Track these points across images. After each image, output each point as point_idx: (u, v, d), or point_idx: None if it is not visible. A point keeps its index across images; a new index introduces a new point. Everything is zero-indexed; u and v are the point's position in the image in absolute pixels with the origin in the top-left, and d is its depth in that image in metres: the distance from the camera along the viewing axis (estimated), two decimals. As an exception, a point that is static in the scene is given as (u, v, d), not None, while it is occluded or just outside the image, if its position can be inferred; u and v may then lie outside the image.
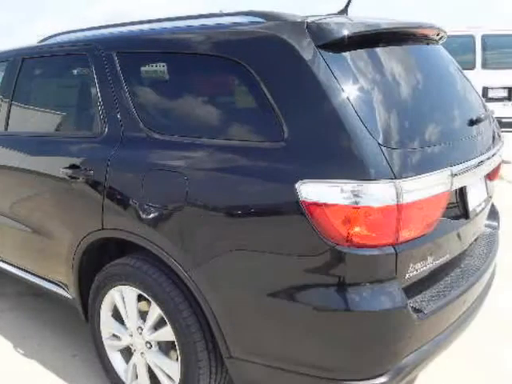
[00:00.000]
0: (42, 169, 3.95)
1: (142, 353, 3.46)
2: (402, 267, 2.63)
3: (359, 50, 2.84)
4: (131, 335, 3.50)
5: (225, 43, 3.06)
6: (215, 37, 3.13)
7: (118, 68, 3.53)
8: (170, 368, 3.32)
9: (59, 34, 4.65)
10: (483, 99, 3.87)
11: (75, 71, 4.41)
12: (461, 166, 2.93)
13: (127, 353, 3.65)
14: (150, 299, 3.27)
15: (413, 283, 2.76)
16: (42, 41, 4.72)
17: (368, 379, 2.66)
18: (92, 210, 3.50)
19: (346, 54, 2.78)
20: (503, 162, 3.80)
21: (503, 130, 7.73)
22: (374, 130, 2.57)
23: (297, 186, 2.57)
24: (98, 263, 3.72)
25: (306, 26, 2.79)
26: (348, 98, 2.62)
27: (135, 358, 3.54)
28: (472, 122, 3.30)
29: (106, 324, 3.69)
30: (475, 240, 3.55)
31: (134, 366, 3.57)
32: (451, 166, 2.83)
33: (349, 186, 2.49)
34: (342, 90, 2.63)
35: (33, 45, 4.63)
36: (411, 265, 2.68)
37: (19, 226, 4.32)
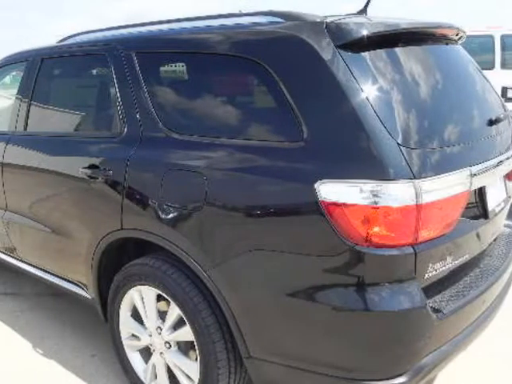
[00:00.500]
0: (62, 169, 4.02)
1: (161, 353, 3.51)
2: (422, 267, 2.66)
3: (378, 50, 2.87)
4: (150, 335, 3.55)
5: (244, 43, 3.11)
6: (234, 37, 3.18)
7: (138, 68, 3.58)
8: (189, 368, 3.37)
9: (78, 34, 4.72)
10: (502, 99, 3.88)
11: (94, 71, 4.50)
12: (480, 166, 2.96)
13: (146, 353, 3.71)
14: (169, 299, 3.32)
15: (432, 283, 2.79)
16: (61, 41, 4.80)
17: (387, 379, 2.69)
18: (111, 210, 3.56)
19: (365, 54, 2.81)
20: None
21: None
22: (393, 130, 2.61)
23: (316, 186, 2.61)
24: (117, 263, 3.79)
25: (325, 26, 2.83)
26: (367, 98, 2.65)
27: (154, 358, 3.59)
28: (491, 122, 3.33)
29: (125, 324, 3.75)
30: (494, 240, 3.58)
31: (153, 366, 3.62)
32: (470, 166, 2.86)
33: (368, 185, 2.53)
34: (361, 89, 2.67)
35: (52, 45, 4.71)
36: (430, 265, 2.71)
37: (38, 226, 4.39)
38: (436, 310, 2.72)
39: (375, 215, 2.54)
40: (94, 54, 4.08)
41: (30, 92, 4.56)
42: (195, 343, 3.22)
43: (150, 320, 3.54)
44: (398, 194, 2.52)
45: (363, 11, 3.45)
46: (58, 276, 4.48)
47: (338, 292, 2.66)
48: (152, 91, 3.51)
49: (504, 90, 10.75)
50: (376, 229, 2.55)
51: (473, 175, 2.84)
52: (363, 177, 2.54)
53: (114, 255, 3.81)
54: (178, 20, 3.86)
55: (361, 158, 2.59)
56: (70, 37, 4.77)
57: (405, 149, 2.59)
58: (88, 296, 4.12)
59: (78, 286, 4.23)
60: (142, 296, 3.55)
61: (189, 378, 3.39)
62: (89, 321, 4.88)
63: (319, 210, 2.61)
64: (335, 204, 2.58)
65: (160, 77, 3.73)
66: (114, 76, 3.72)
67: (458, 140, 2.95)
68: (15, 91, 4.78)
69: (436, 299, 2.81)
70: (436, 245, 2.71)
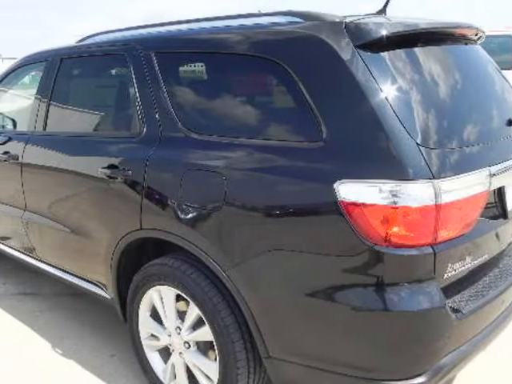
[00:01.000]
0: (81, 169, 4.09)
1: (180, 353, 3.56)
2: (441, 267, 2.69)
3: (397, 50, 2.91)
4: (169, 335, 3.61)
5: (263, 43, 3.15)
6: (254, 37, 3.23)
7: (157, 68, 3.64)
8: (209, 368, 3.42)
9: (97, 34, 4.78)
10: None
11: (113, 71, 4.57)
12: (499, 166, 2.99)
13: (165, 353, 3.76)
14: (188, 299, 3.37)
15: (451, 283, 2.82)
16: (80, 41, 4.86)
17: (406, 379, 2.72)
18: (130, 210, 3.62)
19: (385, 54, 2.85)
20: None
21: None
22: (412, 130, 2.65)
23: (335, 186, 2.64)
24: (136, 263, 3.85)
25: (344, 25, 2.87)
26: (386, 98, 2.69)
27: (173, 358, 3.64)
28: (510, 122, 3.35)
29: (145, 324, 3.80)
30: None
31: (173, 366, 3.67)
32: (489, 165, 2.90)
33: (387, 185, 2.57)
34: (381, 90, 2.71)
35: (71, 45, 4.78)
36: (450, 265, 2.74)
37: (58, 226, 4.47)
38: (455, 310, 2.75)
39: (394, 215, 2.58)
40: (113, 54, 4.14)
41: (49, 92, 4.63)
42: (214, 343, 3.27)
43: (169, 320, 3.59)
44: (417, 194, 2.55)
45: (382, 11, 3.48)
46: (77, 276, 4.55)
47: (357, 292, 2.70)
48: (171, 91, 3.56)
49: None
50: (395, 229, 2.58)
51: (492, 175, 2.87)
52: (382, 177, 2.58)
53: (133, 255, 3.87)
54: (197, 20, 3.91)
55: (380, 158, 2.63)
56: (88, 37, 4.84)
57: (424, 149, 2.63)
58: (107, 296, 4.18)
59: (97, 285, 4.30)
60: (161, 296, 3.60)
61: (208, 378, 3.44)
62: (108, 321, 4.95)
63: (338, 209, 2.64)
64: (354, 204, 2.62)
65: (179, 77, 3.79)
66: (133, 76, 3.78)
67: (477, 140, 2.98)
68: (34, 91, 4.86)
69: (455, 299, 2.83)
70: (455, 245, 2.74)
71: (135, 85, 3.76)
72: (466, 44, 3.50)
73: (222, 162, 3.13)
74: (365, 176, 2.62)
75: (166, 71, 3.62)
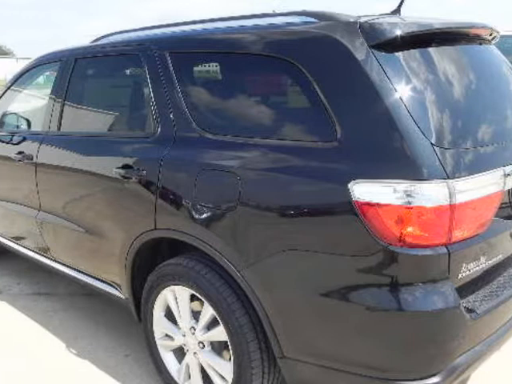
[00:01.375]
0: (95, 169, 4.14)
1: (194, 353, 3.60)
2: (455, 267, 2.72)
3: (412, 50, 2.94)
4: (184, 335, 3.65)
5: (277, 43, 3.19)
6: (268, 37, 3.26)
7: (171, 68, 3.68)
8: (223, 368, 3.45)
9: (112, 34, 4.84)
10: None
11: (128, 71, 4.61)
12: None
13: (180, 353, 3.80)
14: (202, 299, 3.41)
15: (466, 283, 2.84)
16: (94, 41, 4.92)
17: (421, 379, 2.74)
18: (145, 210, 3.66)
19: (399, 54, 2.88)
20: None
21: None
22: (426, 130, 2.67)
23: (349, 186, 2.67)
24: (150, 263, 3.89)
25: (358, 26, 2.90)
26: (401, 98, 2.72)
27: (188, 358, 3.68)
28: None
29: (159, 324, 3.85)
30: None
31: (187, 366, 3.71)
32: (504, 165, 2.92)
33: (402, 185, 2.59)
34: (395, 90, 2.74)
35: (86, 45, 4.84)
36: (464, 265, 2.77)
37: (72, 226, 4.52)
38: (470, 310, 2.77)
39: (409, 215, 2.60)
40: (128, 54, 4.19)
41: (63, 92, 4.69)
42: (229, 343, 3.31)
43: (183, 320, 3.63)
44: (431, 193, 2.58)
45: (397, 11, 3.50)
46: (91, 276, 4.60)
47: (371, 292, 2.72)
48: (186, 91, 3.60)
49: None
50: (410, 229, 2.61)
51: (506, 175, 2.90)
52: (397, 177, 2.61)
53: (148, 255, 3.91)
54: (212, 20, 3.95)
55: (394, 158, 2.65)
56: (103, 37, 4.90)
57: (438, 149, 2.66)
58: (122, 296, 4.23)
59: (111, 285, 4.35)
60: (175, 296, 3.64)
61: (222, 378, 3.48)
62: (122, 321, 5.00)
63: (353, 210, 2.67)
64: (369, 204, 2.65)
65: (193, 77, 3.84)
66: (148, 76, 3.82)
67: (491, 140, 3.01)
68: (48, 91, 4.92)
69: (470, 299, 2.85)
70: (470, 245, 2.77)
71: (150, 85, 3.80)
72: (481, 44, 3.51)
73: (237, 162, 3.16)
74: (379, 176, 2.65)
75: (180, 71, 3.66)
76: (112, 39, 4.67)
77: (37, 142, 4.83)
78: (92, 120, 4.72)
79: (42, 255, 5.20)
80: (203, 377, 3.62)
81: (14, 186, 5.35)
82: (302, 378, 3.12)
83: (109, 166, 3.94)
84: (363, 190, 2.65)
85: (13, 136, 5.29)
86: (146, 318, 3.94)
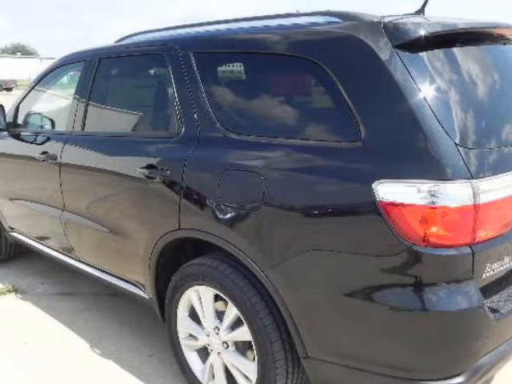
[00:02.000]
0: (119, 169, 4.22)
1: (218, 353, 3.65)
2: (479, 267, 2.75)
3: (436, 50, 2.97)
4: (208, 335, 3.71)
5: (302, 43, 3.24)
6: (292, 37, 3.31)
7: (195, 68, 3.75)
8: (247, 368, 3.51)
9: (136, 34, 4.93)
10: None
11: (152, 71, 4.68)
12: None
13: (204, 353, 3.86)
14: (226, 299, 3.47)
15: (489, 283, 2.87)
16: (118, 41, 5.01)
17: (445, 379, 2.78)
18: (169, 210, 3.73)
19: (423, 54, 2.92)
20: None
21: None
22: (450, 130, 2.72)
23: (373, 186, 2.72)
24: (174, 263, 3.95)
25: (382, 26, 2.94)
26: (425, 98, 2.76)
27: (212, 358, 3.74)
28: None
29: (183, 324, 3.91)
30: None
31: (211, 366, 3.77)
32: None
33: (426, 186, 2.63)
34: (419, 90, 2.78)
35: (110, 45, 4.92)
36: (488, 265, 2.80)
37: (96, 226, 4.60)
38: (493, 310, 2.80)
39: (433, 215, 2.64)
40: (152, 54, 4.26)
41: (87, 92, 4.77)
42: (253, 343, 3.36)
43: (207, 320, 3.69)
44: (455, 194, 2.62)
45: (421, 11, 3.54)
46: (115, 276, 4.68)
47: (395, 292, 2.77)
48: (209, 91, 3.66)
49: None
50: (434, 229, 2.65)
51: None
52: (421, 177, 2.65)
53: (172, 255, 3.98)
54: (236, 20, 4.02)
55: (418, 158, 2.69)
56: (127, 37, 4.99)
57: (462, 149, 2.69)
58: (146, 296, 4.29)
59: (135, 285, 4.42)
60: (199, 296, 3.70)
61: (246, 378, 3.53)
62: (146, 321, 5.09)
63: (377, 210, 2.72)
64: (393, 204, 2.69)
65: (217, 77, 3.89)
66: (172, 76, 3.89)
67: None
68: (73, 91, 5.00)
69: (493, 299, 2.88)
70: (494, 245, 2.80)
71: (174, 85, 3.87)
72: (505, 44, 3.52)
73: (261, 162, 3.21)
74: (403, 176, 2.69)
75: (204, 71, 3.72)
76: (136, 39, 4.75)
77: (61, 142, 4.91)
78: (116, 120, 4.80)
79: (66, 255, 5.30)
80: (227, 377, 3.67)
81: (37, 186, 5.44)
82: (326, 378, 3.16)
83: (133, 166, 4.00)
84: (387, 190, 2.70)
85: (37, 136, 5.39)
86: (169, 318, 4.00)
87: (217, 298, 3.60)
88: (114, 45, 4.86)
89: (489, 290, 2.87)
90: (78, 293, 5.89)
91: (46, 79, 5.65)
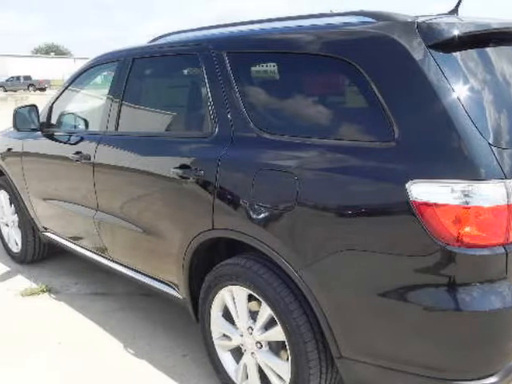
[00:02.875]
0: (153, 169, 4.31)
1: (252, 353, 3.74)
2: None
3: (469, 50, 3.02)
4: (242, 335, 3.79)
5: (335, 43, 3.31)
6: (326, 37, 3.38)
7: (229, 68, 3.83)
8: (281, 368, 3.57)
9: (169, 34, 5.02)
10: None
11: (185, 71, 4.76)
12: None
13: (237, 353, 3.94)
14: (260, 299, 3.54)
15: (523, 283, 2.92)
16: (152, 41, 5.11)
17: (478, 379, 2.83)
18: (202, 210, 3.81)
19: (456, 54, 2.97)
20: None
21: None
22: (484, 130, 2.76)
23: (407, 185, 2.77)
24: (208, 263, 4.04)
25: (416, 25, 2.99)
26: (458, 98, 2.81)
27: (246, 358, 3.82)
28: None
29: (217, 324, 3.99)
30: None
31: (245, 366, 3.85)
32: None
33: (459, 185, 2.68)
34: (453, 89, 2.83)
35: (143, 45, 5.03)
36: (522, 265, 2.85)
37: (130, 226, 4.71)
38: (527, 310, 2.84)
39: (466, 215, 2.70)
40: (185, 54, 4.35)
41: (121, 92, 4.87)
42: (286, 343, 3.43)
43: (241, 320, 3.77)
44: (489, 193, 2.67)
45: (454, 11, 3.58)
46: (149, 276, 4.77)
47: (429, 292, 2.82)
48: (243, 91, 3.74)
49: None
50: (467, 229, 2.70)
51: None
52: (454, 177, 2.70)
53: (205, 255, 4.06)
54: (269, 20, 4.10)
55: (452, 158, 2.74)
56: (160, 37, 5.09)
57: (496, 149, 2.74)
58: (179, 296, 4.39)
59: (169, 285, 4.51)
60: (233, 296, 3.78)
61: (280, 378, 3.60)
62: (180, 321, 5.18)
63: (410, 210, 2.77)
64: (426, 204, 2.74)
65: (251, 77, 3.97)
66: (205, 76, 3.97)
67: None
68: (106, 91, 5.11)
69: None
70: None
71: (207, 85, 3.95)
72: None
73: (294, 162, 3.28)
74: (437, 176, 2.74)
75: (238, 71, 3.80)
76: (169, 39, 4.84)
77: (94, 142, 5.02)
78: (149, 120, 4.90)
79: (100, 255, 5.41)
80: (261, 377, 3.74)
81: (71, 186, 5.56)
82: (360, 378, 3.22)
83: (166, 166, 4.09)
84: (421, 190, 2.75)
85: (70, 136, 5.51)
86: (203, 318, 4.08)
87: (250, 297, 3.66)
88: (148, 45, 4.95)
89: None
90: (112, 293, 6.02)
91: (79, 79, 5.77)
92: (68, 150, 5.32)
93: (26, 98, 43.32)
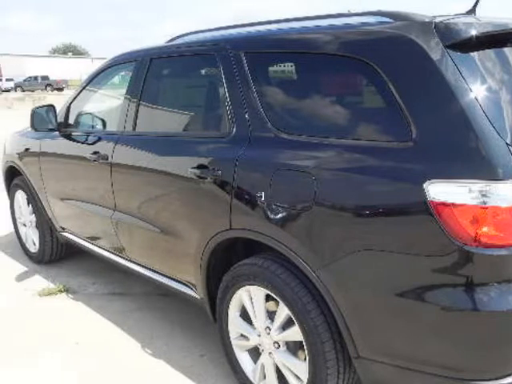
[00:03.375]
0: (170, 169, 4.36)
1: (269, 353, 3.77)
2: None
3: (487, 50, 3.04)
4: (259, 335, 3.83)
5: (353, 43, 3.34)
6: (343, 37, 3.41)
7: (246, 68, 3.87)
8: (298, 368, 3.61)
9: (187, 34, 5.07)
10: None
11: (203, 71, 4.81)
12: None
13: (255, 353, 3.99)
14: (277, 299, 3.58)
15: (541, 283, 2.94)
16: (169, 41, 5.16)
17: (496, 379, 2.85)
18: (220, 210, 3.85)
19: (474, 54, 3.00)
20: None
21: None
22: (501, 130, 2.78)
23: (425, 186, 2.80)
24: (225, 263, 4.09)
25: (434, 25, 3.02)
26: (476, 98, 2.84)
27: (263, 358, 3.86)
28: None
29: (234, 324, 4.04)
30: None
31: (262, 366, 3.89)
32: None
33: (477, 185, 2.71)
34: (470, 90, 2.86)
35: (161, 45, 5.07)
36: (539, 265, 2.86)
37: (147, 226, 4.76)
38: (545, 311, 2.86)
39: (484, 215, 2.72)
40: (203, 54, 4.40)
41: (138, 92, 4.92)
42: (304, 343, 3.47)
43: (258, 320, 3.81)
44: (506, 193, 2.69)
45: (472, 11, 3.60)
46: (166, 276, 4.83)
47: (446, 292, 2.85)
48: (261, 91, 3.78)
49: None
50: (485, 229, 2.72)
51: None
52: (472, 177, 2.72)
53: (223, 255, 4.11)
54: (287, 20, 4.14)
55: (470, 158, 2.77)
56: (178, 37, 5.14)
57: None
58: (197, 296, 4.43)
59: (186, 285, 4.57)
60: (250, 296, 3.83)
61: (297, 377, 3.63)
62: (198, 321, 5.23)
63: (428, 210, 2.80)
64: (444, 204, 2.77)
65: (269, 77, 4.01)
66: (223, 76, 4.02)
67: None
68: (124, 91, 5.17)
69: None
70: None
71: (225, 85, 4.00)
72: None
73: (312, 162, 3.32)
74: (454, 176, 2.76)
75: (255, 71, 3.84)
76: (187, 39, 4.89)
77: (112, 142, 5.07)
78: (167, 120, 4.95)
79: (117, 255, 5.47)
80: (278, 377, 3.78)
81: (88, 186, 5.63)
82: (377, 378, 3.26)
83: (184, 166, 4.14)
84: (438, 190, 2.78)
85: (88, 136, 5.58)
86: (221, 318, 4.13)
87: (268, 297, 3.70)
88: (165, 45, 4.99)
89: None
90: (129, 293, 6.08)
91: (96, 79, 5.83)
92: (85, 150, 5.38)
93: (44, 98, 43.65)
